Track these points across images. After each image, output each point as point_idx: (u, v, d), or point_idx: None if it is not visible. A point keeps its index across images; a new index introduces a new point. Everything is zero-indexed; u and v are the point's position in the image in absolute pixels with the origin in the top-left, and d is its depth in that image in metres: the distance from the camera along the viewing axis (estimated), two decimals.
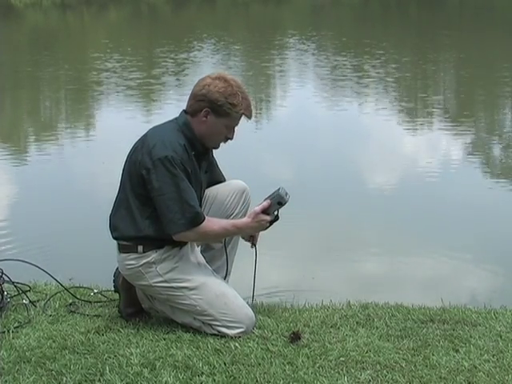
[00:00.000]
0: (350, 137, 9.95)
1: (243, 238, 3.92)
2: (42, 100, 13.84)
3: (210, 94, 3.58)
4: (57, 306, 4.05)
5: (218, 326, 3.61)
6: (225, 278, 3.89)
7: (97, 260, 5.20)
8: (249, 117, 3.68)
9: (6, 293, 3.99)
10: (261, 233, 3.85)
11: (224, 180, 3.95)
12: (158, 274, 3.62)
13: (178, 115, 3.72)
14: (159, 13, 35.26)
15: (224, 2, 37.45)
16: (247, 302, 3.76)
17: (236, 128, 3.70)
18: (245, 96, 3.63)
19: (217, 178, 3.92)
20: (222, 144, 3.74)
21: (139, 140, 3.67)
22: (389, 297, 4.22)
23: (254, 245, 3.90)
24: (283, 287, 4.78)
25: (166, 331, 3.66)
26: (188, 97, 3.69)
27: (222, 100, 3.58)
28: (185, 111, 3.68)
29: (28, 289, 4.20)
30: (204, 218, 3.58)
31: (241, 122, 3.69)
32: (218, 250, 3.93)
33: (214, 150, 3.85)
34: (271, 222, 3.68)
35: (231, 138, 3.71)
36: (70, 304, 4.06)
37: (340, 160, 8.65)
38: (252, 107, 3.69)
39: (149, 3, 38.00)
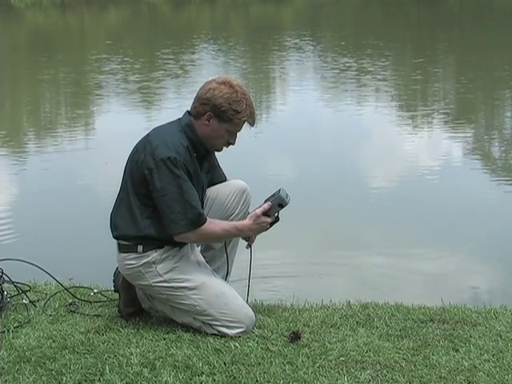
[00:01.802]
0: (350, 138, 9.94)
1: (242, 238, 3.93)
2: (42, 102, 13.82)
3: (214, 99, 3.58)
4: (57, 305, 4.05)
5: (218, 325, 3.61)
6: (225, 278, 3.89)
7: (97, 260, 5.20)
8: (251, 124, 3.68)
9: (6, 292, 3.99)
10: (263, 233, 3.86)
11: (225, 180, 3.95)
12: (157, 274, 3.62)
13: (181, 115, 3.72)
14: (159, 13, 35.26)
15: (224, 2, 37.45)
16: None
17: (238, 133, 3.70)
18: (249, 103, 3.63)
19: (218, 179, 3.92)
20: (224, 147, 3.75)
21: (142, 140, 3.67)
22: (389, 296, 4.22)
23: (249, 245, 3.92)
24: (283, 287, 4.78)
25: (165, 331, 3.66)
26: (193, 98, 3.68)
27: (226, 106, 3.58)
28: (189, 112, 3.68)
29: (28, 289, 4.20)
30: (206, 220, 3.58)
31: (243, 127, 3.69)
32: (218, 250, 3.93)
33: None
34: (271, 224, 3.69)
35: (233, 143, 3.71)
36: (70, 304, 4.06)
37: (341, 161, 8.65)
38: (255, 115, 3.69)
39: (149, 3, 37.99)
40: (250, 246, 3.92)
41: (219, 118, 3.60)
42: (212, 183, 3.89)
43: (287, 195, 3.62)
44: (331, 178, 7.92)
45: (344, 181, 7.84)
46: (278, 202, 3.61)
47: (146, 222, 3.58)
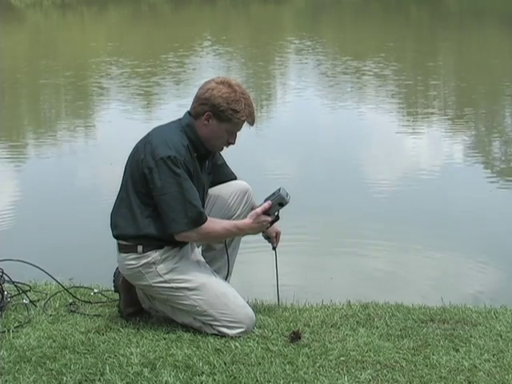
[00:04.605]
0: (351, 138, 9.95)
1: (264, 238, 3.96)
2: (43, 104, 13.79)
3: (212, 99, 3.58)
4: (57, 305, 4.05)
5: (219, 326, 3.61)
6: (226, 279, 3.89)
7: (97, 260, 5.21)
8: (251, 124, 3.68)
9: (6, 292, 3.99)
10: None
11: (235, 178, 3.96)
12: (157, 275, 3.62)
13: (182, 116, 3.72)
14: (159, 13, 35.22)
15: (224, 2, 37.42)
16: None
17: (238, 133, 3.70)
18: (248, 103, 3.63)
19: (224, 178, 3.92)
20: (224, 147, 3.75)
21: (142, 139, 3.68)
22: (389, 296, 4.22)
23: (274, 248, 3.94)
24: (284, 286, 4.77)
25: (166, 331, 3.66)
26: (192, 98, 3.69)
27: (225, 105, 3.58)
28: (189, 112, 3.68)
29: (28, 288, 4.20)
30: (206, 219, 3.58)
31: (243, 126, 3.69)
32: (219, 251, 3.93)
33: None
34: (272, 223, 3.70)
35: (233, 143, 3.71)
36: (70, 304, 4.06)
37: (342, 161, 8.65)
38: (255, 114, 3.69)
39: (149, 3, 37.96)
40: (275, 248, 3.95)
41: (218, 117, 3.60)
42: (219, 182, 3.89)
43: (287, 194, 3.64)
44: (331, 178, 7.92)
45: (344, 181, 7.84)
46: (278, 201, 3.62)
47: (146, 221, 3.58)
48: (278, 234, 3.97)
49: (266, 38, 21.83)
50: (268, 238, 3.97)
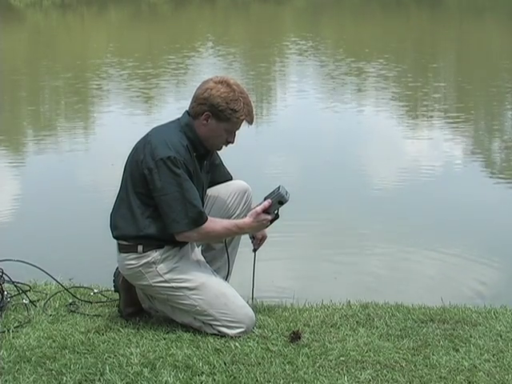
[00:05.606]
0: (351, 138, 9.95)
1: (250, 237, 3.96)
2: (43, 105, 13.78)
3: (211, 98, 3.59)
4: (57, 305, 4.05)
5: (218, 325, 3.61)
6: (226, 278, 3.89)
7: (97, 260, 5.21)
8: (250, 122, 3.69)
9: (6, 292, 3.99)
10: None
11: (231, 178, 3.96)
12: (157, 274, 3.62)
13: (180, 115, 3.72)
14: (159, 13, 35.22)
15: (224, 2, 37.41)
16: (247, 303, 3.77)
17: (237, 131, 3.70)
18: (247, 102, 3.63)
19: (220, 178, 3.92)
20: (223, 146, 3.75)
21: (141, 140, 3.68)
22: (389, 296, 4.22)
23: (254, 250, 3.94)
24: (283, 286, 4.78)
25: (166, 331, 3.66)
26: (191, 98, 3.69)
27: (224, 105, 3.58)
28: (188, 112, 3.69)
29: (28, 288, 4.20)
30: (207, 218, 3.59)
31: (242, 125, 3.69)
32: (218, 251, 3.93)
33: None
34: (272, 221, 3.70)
35: (232, 142, 3.72)
36: (70, 304, 4.06)
37: (342, 162, 8.65)
38: (254, 113, 3.70)
39: (149, 3, 37.95)
40: (255, 251, 3.95)
41: (217, 117, 3.61)
42: (216, 182, 3.90)
43: (287, 192, 3.64)
44: (332, 178, 7.92)
45: (345, 181, 7.84)
46: (277, 200, 3.62)
47: (146, 221, 3.58)
48: (263, 238, 3.97)
49: (267, 39, 21.82)
50: (253, 237, 3.97)
